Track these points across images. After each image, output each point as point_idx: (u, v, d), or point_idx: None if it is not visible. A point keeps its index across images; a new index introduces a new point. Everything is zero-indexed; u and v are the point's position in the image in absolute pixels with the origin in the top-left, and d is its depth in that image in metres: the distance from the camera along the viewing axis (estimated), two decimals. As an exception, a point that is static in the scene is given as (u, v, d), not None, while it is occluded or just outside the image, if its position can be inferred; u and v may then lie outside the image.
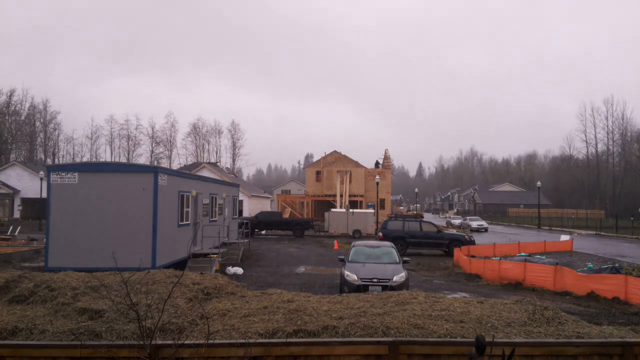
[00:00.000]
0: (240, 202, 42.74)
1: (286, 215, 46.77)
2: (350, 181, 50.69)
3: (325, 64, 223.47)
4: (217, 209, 21.97)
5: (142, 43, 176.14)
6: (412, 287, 12.23)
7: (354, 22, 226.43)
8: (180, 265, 15.63)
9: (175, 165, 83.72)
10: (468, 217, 58.12)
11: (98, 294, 7.90)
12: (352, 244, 14.50)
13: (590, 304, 13.05)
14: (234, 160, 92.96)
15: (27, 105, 74.13)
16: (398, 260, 13.05)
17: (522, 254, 22.58)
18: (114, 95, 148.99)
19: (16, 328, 6.43)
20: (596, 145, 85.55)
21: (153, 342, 4.61)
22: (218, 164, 70.42)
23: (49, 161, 77.14)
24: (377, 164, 55.96)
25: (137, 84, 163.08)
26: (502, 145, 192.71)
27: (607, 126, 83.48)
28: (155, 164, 76.26)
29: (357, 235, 35.63)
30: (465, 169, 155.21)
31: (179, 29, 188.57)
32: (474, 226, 49.45)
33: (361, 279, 11.73)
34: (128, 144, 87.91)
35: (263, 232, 37.20)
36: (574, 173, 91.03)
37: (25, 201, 47.45)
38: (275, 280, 15.75)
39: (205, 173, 46.38)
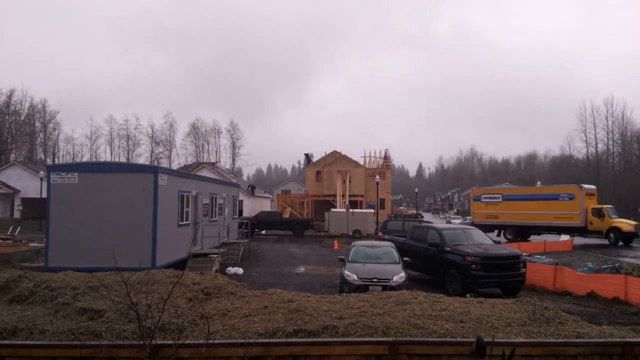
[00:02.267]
0: (240, 202, 42.76)
1: (286, 215, 46.78)
2: (350, 181, 50.71)
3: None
4: (217, 209, 21.97)
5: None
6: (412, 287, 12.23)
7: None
8: (180, 265, 15.63)
9: (175, 165, 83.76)
10: (468, 217, 58.11)
11: (98, 294, 7.90)
12: (352, 244, 14.48)
13: (590, 304, 13.05)
14: (233, 160, 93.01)
15: (27, 105, 74.31)
16: (398, 260, 13.04)
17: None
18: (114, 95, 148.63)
19: (16, 328, 6.43)
20: (596, 145, 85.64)
21: (153, 342, 4.61)
22: (218, 164, 70.40)
23: (49, 161, 77.17)
24: (379, 161, 55.90)
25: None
26: (502, 145, 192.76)
27: (607, 126, 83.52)
28: (155, 164, 76.26)
29: (357, 235, 35.64)
30: (465, 169, 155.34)
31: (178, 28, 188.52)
32: (474, 226, 49.35)
33: (361, 279, 11.73)
34: (128, 144, 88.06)
35: (263, 232, 37.20)
36: (574, 173, 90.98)
37: (25, 201, 47.44)
38: (275, 280, 15.75)
39: (205, 173, 46.39)
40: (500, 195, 33.75)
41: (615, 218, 30.07)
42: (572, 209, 30.14)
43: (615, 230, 29.22)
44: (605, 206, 30.85)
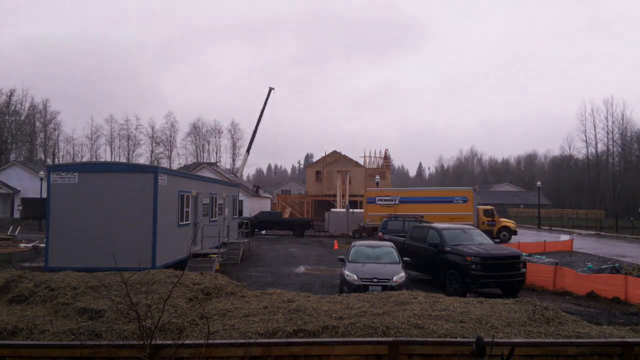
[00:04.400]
0: (240, 202, 42.75)
1: (286, 215, 46.80)
2: (350, 181, 50.72)
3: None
4: (217, 209, 21.97)
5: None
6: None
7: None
8: (180, 265, 15.63)
9: (175, 166, 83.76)
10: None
11: (98, 294, 7.90)
12: (352, 244, 14.49)
13: (590, 304, 13.05)
14: (234, 160, 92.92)
15: (27, 105, 74.33)
16: (398, 261, 13.04)
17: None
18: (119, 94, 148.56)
19: (16, 328, 6.43)
20: (596, 145, 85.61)
21: (153, 342, 4.61)
22: (218, 163, 70.40)
23: (49, 161, 77.13)
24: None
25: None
26: (502, 145, 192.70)
27: (607, 126, 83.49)
28: (155, 164, 76.28)
29: (357, 235, 35.63)
30: (465, 169, 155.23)
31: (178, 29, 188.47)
32: (474, 226, 49.38)
33: (361, 279, 11.73)
34: (128, 144, 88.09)
35: (263, 232, 37.22)
36: (574, 173, 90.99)
37: (25, 201, 47.44)
38: (275, 280, 15.76)
39: (205, 173, 46.38)
40: (397, 198, 34.00)
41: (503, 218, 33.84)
42: (465, 211, 32.48)
43: (506, 229, 33.08)
44: (493, 207, 34.79)
